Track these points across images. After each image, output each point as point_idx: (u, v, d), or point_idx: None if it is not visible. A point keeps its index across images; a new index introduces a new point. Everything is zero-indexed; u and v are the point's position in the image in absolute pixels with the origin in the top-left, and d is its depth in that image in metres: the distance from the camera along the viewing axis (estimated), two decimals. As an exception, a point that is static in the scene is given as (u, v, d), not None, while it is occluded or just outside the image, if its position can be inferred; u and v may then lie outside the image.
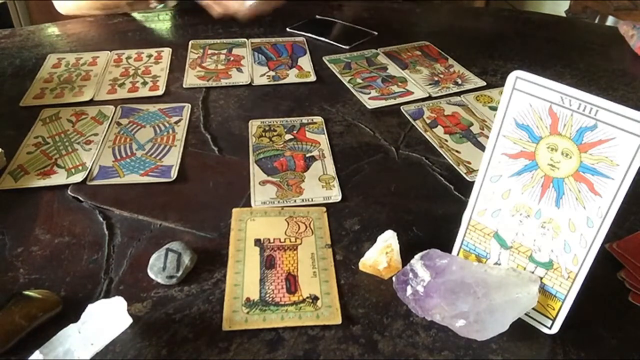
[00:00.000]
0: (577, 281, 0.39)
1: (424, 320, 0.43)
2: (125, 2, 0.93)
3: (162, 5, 0.96)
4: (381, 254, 0.46)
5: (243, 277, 0.46)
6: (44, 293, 0.43)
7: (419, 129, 0.68)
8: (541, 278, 0.41)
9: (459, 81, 0.79)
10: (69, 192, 0.55)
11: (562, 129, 0.37)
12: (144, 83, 0.76)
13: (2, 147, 0.59)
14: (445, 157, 0.63)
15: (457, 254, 0.46)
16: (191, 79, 0.78)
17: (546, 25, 1.03)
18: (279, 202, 0.55)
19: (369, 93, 0.75)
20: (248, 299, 0.44)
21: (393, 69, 0.82)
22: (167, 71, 0.79)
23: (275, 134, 0.66)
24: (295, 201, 0.55)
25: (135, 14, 0.98)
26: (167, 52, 0.85)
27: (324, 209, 0.54)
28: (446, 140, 0.66)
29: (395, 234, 0.48)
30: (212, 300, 0.44)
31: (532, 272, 0.42)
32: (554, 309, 0.41)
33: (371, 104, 0.73)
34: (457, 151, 0.64)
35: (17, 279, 0.46)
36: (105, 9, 0.94)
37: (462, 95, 0.75)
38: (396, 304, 0.45)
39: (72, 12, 0.96)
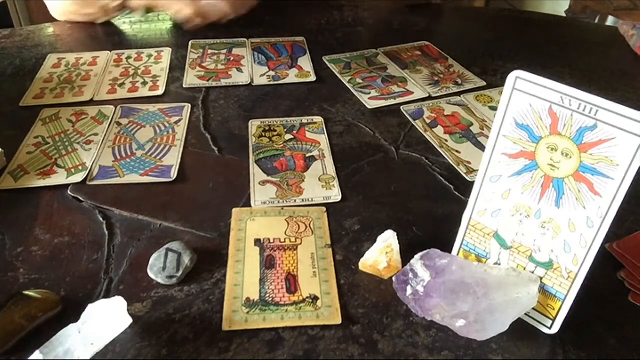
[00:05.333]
0: (577, 281, 0.39)
1: (424, 320, 0.43)
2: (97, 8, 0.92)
3: (127, 12, 0.95)
4: (381, 254, 0.46)
5: (243, 277, 0.46)
6: (44, 293, 0.43)
7: (419, 129, 0.68)
8: (541, 278, 0.41)
9: (459, 81, 0.79)
10: (69, 192, 0.55)
11: (562, 129, 0.37)
12: (144, 83, 0.76)
13: (2, 147, 0.59)
14: (445, 157, 0.63)
15: (457, 254, 0.46)
16: (191, 79, 0.78)
17: (546, 25, 1.03)
18: (279, 202, 0.55)
19: (369, 93, 0.75)
20: (248, 299, 0.44)
21: (393, 69, 0.82)
22: (167, 71, 0.79)
23: (275, 134, 0.66)
24: (295, 201, 0.55)
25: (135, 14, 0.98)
26: (167, 52, 0.85)
27: (324, 209, 0.54)
28: (446, 140, 0.66)
29: (395, 234, 0.48)
30: (212, 300, 0.44)
31: (532, 272, 0.42)
32: (554, 309, 0.41)
33: (371, 104, 0.73)
34: (457, 151, 0.64)
35: (17, 279, 0.46)
36: (82, 14, 0.93)
37: (462, 95, 0.75)
38: (396, 304, 0.45)
39: (62, 17, 0.95)
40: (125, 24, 0.95)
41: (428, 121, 0.70)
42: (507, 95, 0.38)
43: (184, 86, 0.76)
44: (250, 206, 0.54)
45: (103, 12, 0.91)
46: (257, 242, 0.50)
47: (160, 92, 0.74)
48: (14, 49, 0.85)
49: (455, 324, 0.41)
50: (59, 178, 0.57)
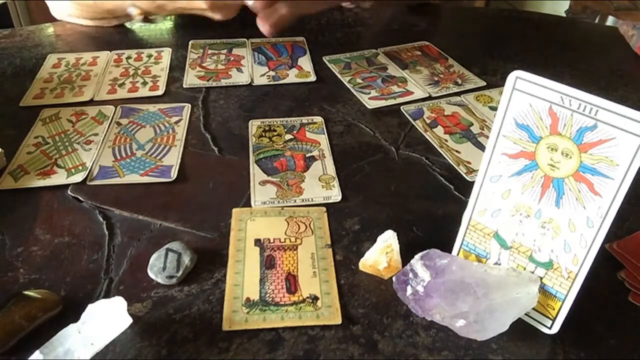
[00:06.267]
0: (577, 281, 0.39)
1: (424, 320, 0.43)
2: (111, 15, 0.91)
3: (145, 24, 0.93)
4: (381, 254, 0.46)
5: (243, 277, 0.46)
6: (44, 293, 0.43)
7: (419, 129, 0.68)
8: (541, 278, 0.41)
9: (459, 81, 0.79)
10: (69, 192, 0.55)
11: (562, 129, 0.37)
12: (144, 83, 0.76)
13: (2, 147, 0.59)
14: (445, 157, 0.63)
15: (457, 254, 0.46)
16: (191, 79, 0.78)
17: (546, 25, 1.03)
18: (279, 202, 0.55)
19: (369, 93, 0.75)
20: (248, 299, 0.44)
21: (393, 69, 0.82)
22: (167, 71, 0.79)
23: (275, 134, 0.66)
24: (295, 201, 0.55)
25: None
26: (167, 52, 0.85)
27: (324, 209, 0.54)
28: (446, 140, 0.66)
29: (395, 234, 0.48)
30: (212, 300, 0.44)
31: (532, 272, 0.42)
32: (554, 309, 0.41)
33: (371, 104, 0.73)
34: (457, 151, 0.64)
35: (17, 279, 0.46)
36: (93, 18, 0.92)
37: (462, 95, 0.75)
38: (396, 304, 0.45)
39: (65, 18, 0.95)
40: (125, 24, 0.95)
41: (428, 121, 0.70)
42: (507, 95, 0.38)
43: (184, 86, 0.76)
44: (250, 206, 0.54)
45: (117, 20, 0.91)
46: (257, 242, 0.50)
47: (160, 92, 0.74)
48: (14, 49, 0.85)
49: (455, 324, 0.41)
50: (59, 178, 0.57)
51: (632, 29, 0.93)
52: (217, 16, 0.80)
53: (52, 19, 0.97)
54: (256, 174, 0.59)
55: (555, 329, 0.42)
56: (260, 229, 0.51)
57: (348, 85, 0.77)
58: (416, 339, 0.42)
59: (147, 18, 0.88)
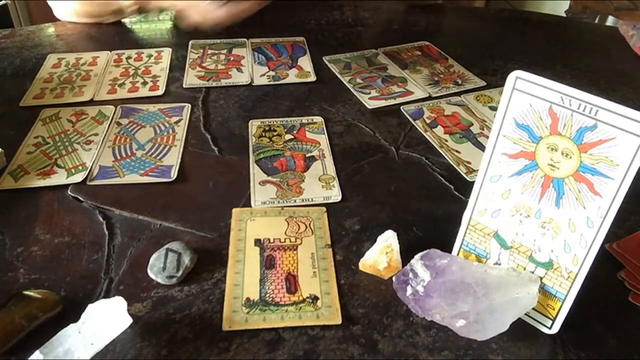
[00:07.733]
0: (577, 281, 0.39)
1: (424, 320, 0.43)
2: (110, 11, 0.92)
3: (142, 16, 0.94)
4: (381, 254, 0.46)
5: (243, 277, 0.46)
6: (44, 293, 0.43)
7: (419, 129, 0.68)
8: (541, 278, 0.41)
9: (459, 81, 0.79)
10: (69, 192, 0.55)
11: (562, 129, 0.37)
12: (144, 83, 0.76)
13: (2, 147, 0.59)
14: (445, 157, 0.63)
15: (457, 254, 0.46)
16: (191, 79, 0.78)
17: (546, 25, 1.03)
18: (279, 202, 0.55)
19: (369, 93, 0.75)
20: (248, 299, 0.44)
21: (393, 69, 0.82)
22: (167, 71, 0.79)
23: (275, 134, 0.66)
24: (295, 201, 0.55)
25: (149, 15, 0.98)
26: (167, 52, 0.85)
27: (324, 209, 0.54)
28: (446, 140, 0.66)
29: (395, 234, 0.48)
30: (212, 300, 0.44)
31: (532, 272, 0.42)
32: (554, 309, 0.41)
33: (371, 104, 0.73)
34: (457, 151, 0.64)
35: (17, 279, 0.46)
36: (92, 16, 0.93)
37: (462, 95, 0.75)
38: (396, 304, 0.45)
39: (68, 17, 0.95)
40: (125, 24, 0.95)
41: (428, 121, 0.70)
42: (507, 95, 0.38)
43: (184, 86, 0.76)
44: (250, 206, 0.54)
45: (114, 15, 0.91)
46: (257, 242, 0.50)
47: (160, 92, 0.74)
48: (14, 49, 0.85)
49: (455, 324, 0.41)
50: (59, 178, 0.57)
51: (632, 29, 0.93)
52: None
53: (52, 19, 0.97)
54: (256, 174, 0.59)
55: (555, 329, 0.42)
56: (260, 229, 0.51)
57: (348, 85, 0.77)
58: (416, 339, 0.42)
59: (141, 10, 0.89)
